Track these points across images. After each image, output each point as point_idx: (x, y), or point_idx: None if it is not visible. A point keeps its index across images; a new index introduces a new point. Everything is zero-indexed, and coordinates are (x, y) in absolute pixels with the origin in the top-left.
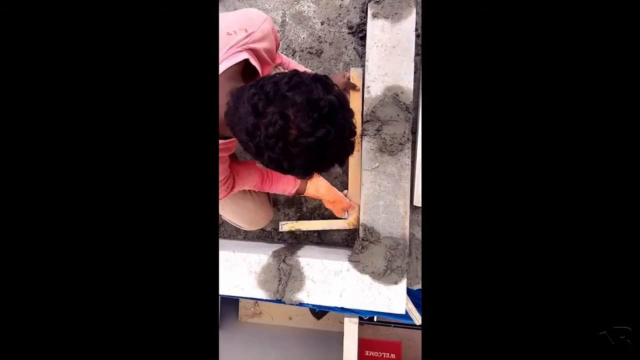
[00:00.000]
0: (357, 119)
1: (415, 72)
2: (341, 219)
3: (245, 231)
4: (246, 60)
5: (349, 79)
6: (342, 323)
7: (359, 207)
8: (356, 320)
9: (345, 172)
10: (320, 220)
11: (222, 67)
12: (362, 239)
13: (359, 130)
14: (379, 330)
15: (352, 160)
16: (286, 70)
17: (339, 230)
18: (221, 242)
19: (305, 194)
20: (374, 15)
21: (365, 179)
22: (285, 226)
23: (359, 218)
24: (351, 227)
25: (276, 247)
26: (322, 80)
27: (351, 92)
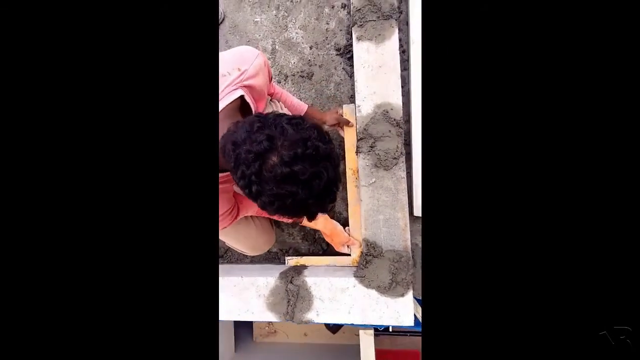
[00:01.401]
0: (352, 157)
1: (403, 87)
2: (344, 254)
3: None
4: (242, 97)
5: (341, 115)
6: (358, 335)
7: (360, 243)
8: (371, 331)
9: (346, 189)
10: (326, 257)
11: (220, 106)
12: (366, 254)
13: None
14: (396, 340)
15: (351, 195)
16: (279, 102)
17: (343, 267)
18: (228, 267)
19: (302, 224)
20: (359, 39)
21: (363, 194)
22: (291, 261)
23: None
24: (355, 264)
25: (283, 267)
26: (320, 130)
27: (345, 128)
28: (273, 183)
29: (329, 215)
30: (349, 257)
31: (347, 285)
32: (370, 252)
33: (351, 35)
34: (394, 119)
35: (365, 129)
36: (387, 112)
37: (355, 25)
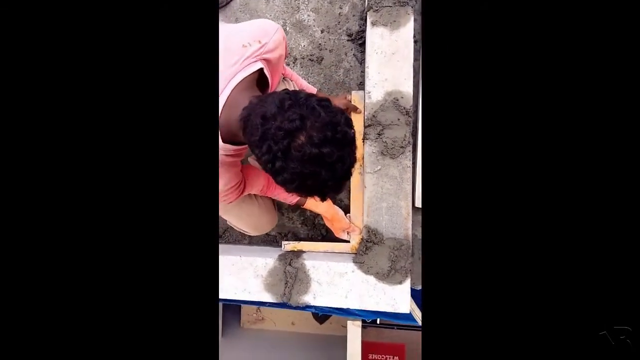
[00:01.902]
0: (359, 144)
1: (414, 77)
2: (343, 241)
3: (250, 236)
4: (260, 70)
5: (350, 102)
6: (345, 327)
7: (360, 230)
8: (359, 323)
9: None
10: (324, 243)
11: (239, 77)
12: (366, 240)
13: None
14: (383, 333)
15: (354, 182)
16: (291, 81)
17: (341, 253)
18: (227, 247)
19: (305, 207)
20: (373, 24)
21: (367, 181)
22: (288, 246)
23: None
24: (354, 251)
25: (281, 250)
26: (347, 117)
27: (352, 114)
28: (298, 162)
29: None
30: (347, 244)
31: (346, 270)
32: (371, 239)
33: (365, 21)
34: (404, 107)
35: (374, 116)
36: (397, 100)
37: (371, 10)
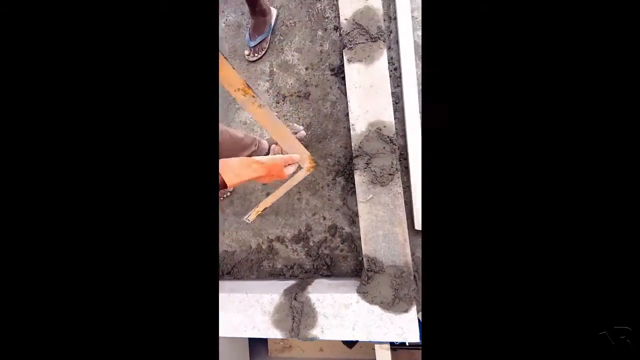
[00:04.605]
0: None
1: (397, 103)
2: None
3: (257, 269)
4: None
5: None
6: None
7: (299, 145)
8: (387, 346)
9: (347, 205)
10: (283, 185)
11: None
12: (367, 270)
13: None
14: (414, 355)
15: (258, 117)
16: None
17: (303, 179)
18: (234, 283)
19: (231, 186)
20: (349, 60)
21: (361, 211)
22: (252, 215)
23: (313, 162)
24: (311, 168)
25: (287, 284)
26: None
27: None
28: None
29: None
30: (303, 169)
31: (350, 302)
32: (372, 268)
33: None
34: (387, 136)
35: (360, 147)
36: (380, 129)
37: (346, 48)
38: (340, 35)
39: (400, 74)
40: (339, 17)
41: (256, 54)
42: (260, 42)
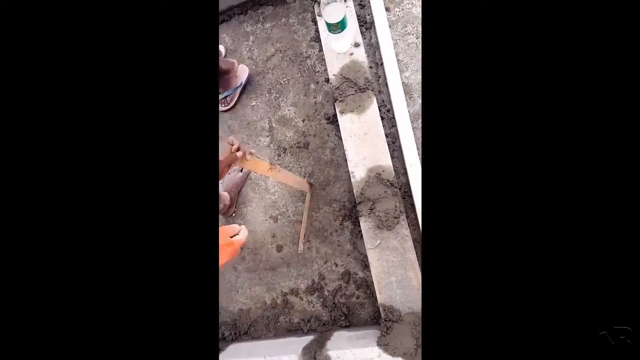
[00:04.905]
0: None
1: (394, 142)
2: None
3: (274, 325)
4: None
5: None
6: None
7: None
8: None
9: (357, 249)
10: (305, 211)
11: None
12: (385, 320)
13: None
14: None
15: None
16: None
17: (365, 332)
18: (252, 345)
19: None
20: (342, 112)
21: (371, 258)
22: (301, 246)
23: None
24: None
25: (306, 340)
26: None
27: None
28: None
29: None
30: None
31: (372, 356)
32: (389, 317)
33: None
34: (387, 180)
35: (362, 193)
36: (380, 174)
37: (337, 101)
38: (331, 88)
39: (394, 114)
40: (328, 72)
41: (223, 105)
42: (225, 97)
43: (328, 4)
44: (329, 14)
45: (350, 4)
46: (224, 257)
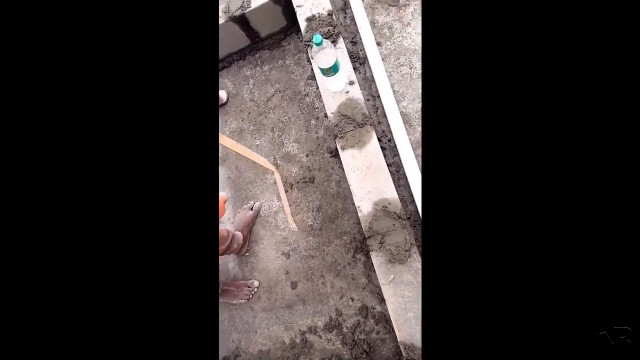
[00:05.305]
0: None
1: (398, 171)
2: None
3: None
4: None
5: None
6: None
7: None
8: None
9: (372, 282)
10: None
11: None
12: (407, 359)
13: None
14: None
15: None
16: None
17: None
18: None
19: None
20: (342, 148)
21: (386, 293)
22: (292, 224)
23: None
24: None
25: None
26: None
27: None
28: None
29: None
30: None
31: None
32: (411, 356)
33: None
34: (395, 213)
35: (370, 227)
36: (386, 207)
37: (337, 137)
38: (331, 125)
39: (395, 144)
40: (326, 110)
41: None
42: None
43: (319, 50)
44: (321, 59)
45: (342, 44)
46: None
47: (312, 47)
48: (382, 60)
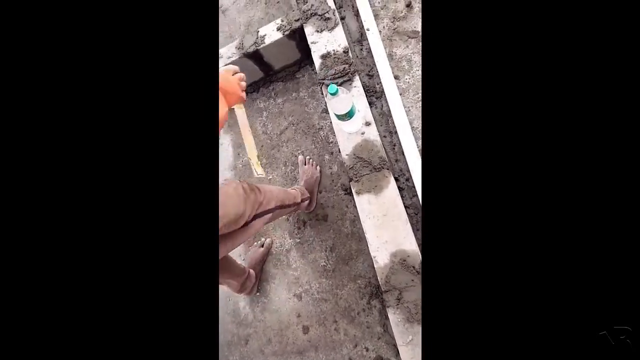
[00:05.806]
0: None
1: (417, 214)
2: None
3: None
4: None
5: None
6: None
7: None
8: None
9: (388, 332)
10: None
11: None
12: None
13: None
14: None
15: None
16: None
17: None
18: None
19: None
20: (358, 192)
21: (404, 356)
22: (258, 168)
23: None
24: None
25: None
26: None
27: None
28: None
29: None
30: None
31: None
32: None
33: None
34: (413, 267)
35: (387, 281)
36: (405, 260)
37: (352, 181)
38: (346, 168)
39: (413, 184)
40: (341, 152)
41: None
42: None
43: (333, 97)
44: (336, 105)
45: (357, 82)
46: (230, 101)
47: (326, 87)
48: (400, 94)
